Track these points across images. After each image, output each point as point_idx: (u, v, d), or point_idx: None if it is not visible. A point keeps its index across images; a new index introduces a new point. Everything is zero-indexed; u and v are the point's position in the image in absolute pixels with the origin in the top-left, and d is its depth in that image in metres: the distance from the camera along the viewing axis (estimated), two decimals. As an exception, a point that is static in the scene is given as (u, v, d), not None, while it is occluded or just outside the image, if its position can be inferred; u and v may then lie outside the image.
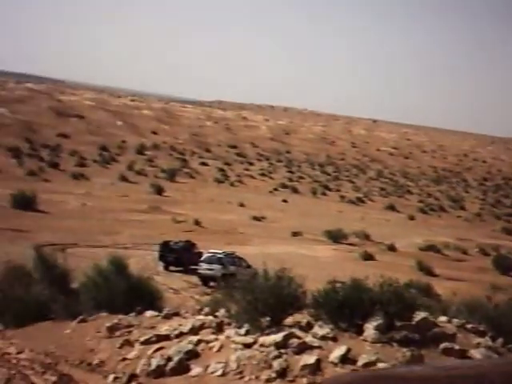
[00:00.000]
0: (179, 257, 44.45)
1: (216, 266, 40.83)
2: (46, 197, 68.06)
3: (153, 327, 15.04)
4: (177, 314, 16.16)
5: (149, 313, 16.40)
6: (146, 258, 45.75)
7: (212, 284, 40.58)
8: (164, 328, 14.64)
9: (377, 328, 12.34)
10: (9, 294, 18.89)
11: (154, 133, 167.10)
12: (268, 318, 13.35)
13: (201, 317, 15.14)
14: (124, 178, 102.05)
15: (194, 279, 41.88)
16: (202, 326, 14.15)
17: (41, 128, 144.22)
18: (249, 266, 41.74)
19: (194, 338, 13.43)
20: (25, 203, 62.49)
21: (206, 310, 16.27)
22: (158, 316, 16.02)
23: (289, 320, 13.60)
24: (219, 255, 41.88)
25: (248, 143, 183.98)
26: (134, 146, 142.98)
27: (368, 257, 58.10)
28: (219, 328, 13.94)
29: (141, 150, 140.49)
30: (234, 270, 40.50)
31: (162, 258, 44.83)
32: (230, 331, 13.47)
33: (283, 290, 13.33)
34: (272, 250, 54.29)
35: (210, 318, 14.90)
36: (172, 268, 44.66)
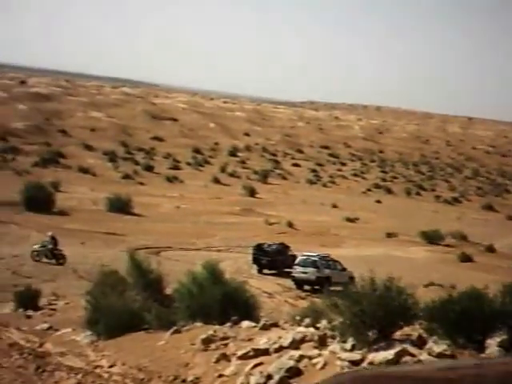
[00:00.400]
0: (273, 259, 43.49)
1: (310, 269, 39.69)
2: (141, 200, 68.53)
3: (250, 339, 14.07)
4: (275, 325, 15.13)
5: (245, 323, 15.47)
6: (239, 261, 45.21)
7: (306, 287, 39.69)
8: (262, 341, 13.63)
9: (501, 344, 11.07)
10: (102, 302, 18.25)
11: (247, 134, 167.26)
12: (375, 332, 12.21)
13: (301, 329, 13.97)
14: (217, 181, 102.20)
15: (288, 282, 40.90)
16: (303, 340, 13.02)
17: (136, 131, 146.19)
18: (344, 269, 40.71)
19: (296, 353, 12.31)
20: (120, 206, 62.99)
21: (307, 321, 15.16)
22: (255, 327, 15.03)
23: (397, 333, 12.45)
24: (314, 258, 40.73)
25: (340, 143, 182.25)
26: (226, 148, 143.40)
27: (465, 258, 56.17)
28: (322, 342, 12.81)
29: (233, 152, 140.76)
30: (328, 273, 39.56)
31: (255, 260, 44.02)
32: (334, 346, 12.33)
33: (393, 301, 12.16)
34: (366, 252, 53.18)
35: (312, 330, 13.73)
36: (266, 271, 43.83)
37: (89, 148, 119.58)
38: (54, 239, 40.17)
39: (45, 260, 39.11)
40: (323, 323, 14.27)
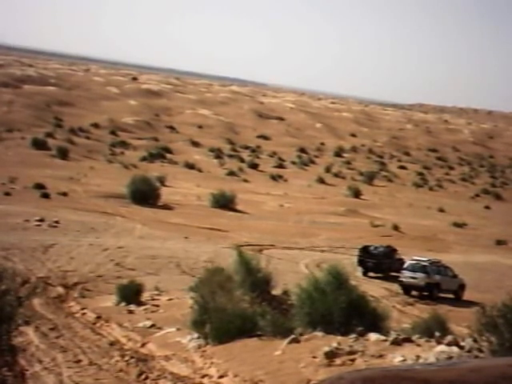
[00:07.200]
0: (379, 262, 42.12)
1: (419, 275, 38.07)
2: (245, 197, 68.57)
3: (381, 356, 12.72)
4: (408, 340, 13.72)
5: (373, 336, 14.10)
6: (343, 263, 44.27)
7: (414, 293, 38.42)
8: (396, 359, 12.23)
9: None
10: (210, 302, 17.00)
11: (353, 135, 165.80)
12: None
13: (444, 347, 12.53)
14: (321, 180, 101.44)
15: (395, 287, 39.61)
16: (447, 361, 11.79)
17: (242, 129, 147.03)
18: (455, 276, 39.21)
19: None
20: (224, 203, 63.22)
21: (449, 338, 13.59)
22: (384, 341, 13.64)
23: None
24: (424, 263, 39.23)
25: (449, 147, 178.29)
26: (332, 149, 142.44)
27: None
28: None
29: (339, 153, 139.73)
30: (438, 280, 38.12)
31: (361, 262, 42.80)
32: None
33: None
34: (475, 259, 51.48)
35: (456, 349, 12.26)
36: (371, 274, 42.71)
37: (195, 144, 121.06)
38: None
39: None
40: (468, 342, 12.79)
